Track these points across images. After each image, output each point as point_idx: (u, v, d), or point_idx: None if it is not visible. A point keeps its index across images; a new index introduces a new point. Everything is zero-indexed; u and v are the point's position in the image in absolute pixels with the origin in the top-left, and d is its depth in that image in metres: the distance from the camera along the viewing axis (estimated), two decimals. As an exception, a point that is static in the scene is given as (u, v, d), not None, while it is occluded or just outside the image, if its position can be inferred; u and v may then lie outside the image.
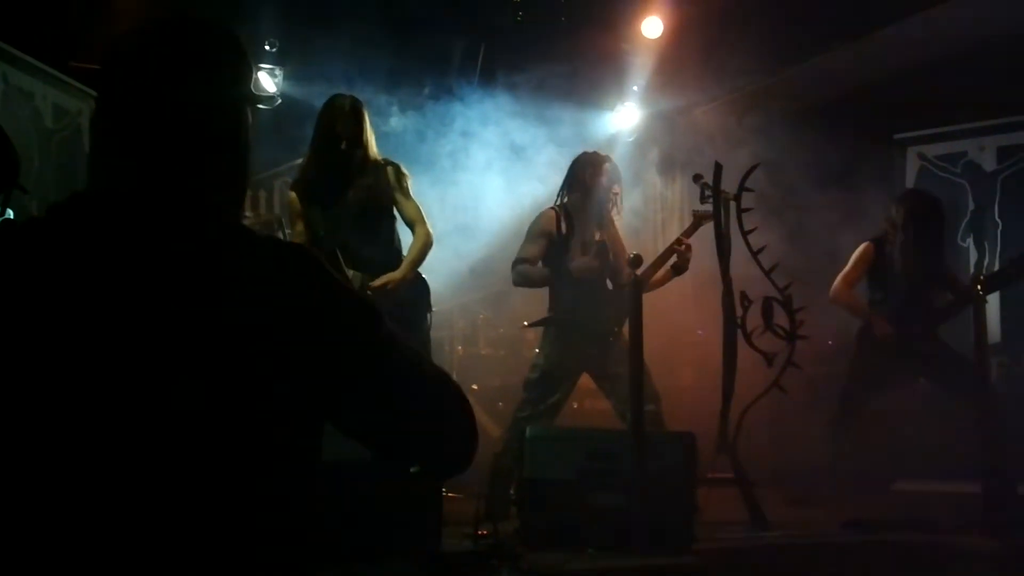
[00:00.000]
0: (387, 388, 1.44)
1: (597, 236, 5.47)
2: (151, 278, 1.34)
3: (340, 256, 4.71)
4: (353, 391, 1.43)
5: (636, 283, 4.58)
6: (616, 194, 5.57)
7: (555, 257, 5.45)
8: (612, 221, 5.60)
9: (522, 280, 5.54)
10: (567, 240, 5.44)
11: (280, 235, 4.89)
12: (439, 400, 1.50)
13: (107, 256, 1.35)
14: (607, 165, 5.57)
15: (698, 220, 5.21)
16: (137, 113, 1.43)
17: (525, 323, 6.34)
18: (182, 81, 1.44)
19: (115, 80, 1.46)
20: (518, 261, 5.47)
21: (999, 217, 7.68)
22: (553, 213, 5.52)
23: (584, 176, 5.54)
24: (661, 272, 5.26)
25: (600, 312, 5.36)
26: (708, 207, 5.08)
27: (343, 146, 5.03)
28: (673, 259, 5.23)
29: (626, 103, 8.56)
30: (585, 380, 7.41)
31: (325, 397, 1.42)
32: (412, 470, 1.60)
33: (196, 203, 1.43)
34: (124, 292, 1.33)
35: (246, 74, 1.54)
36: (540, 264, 5.46)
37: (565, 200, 5.58)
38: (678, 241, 5.22)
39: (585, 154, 5.70)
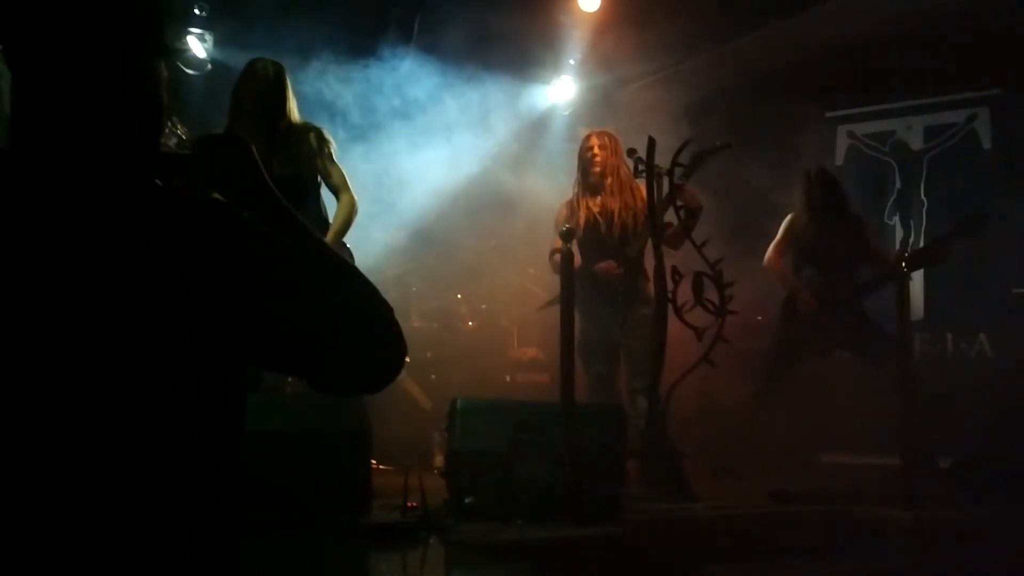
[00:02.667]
0: (306, 304, 1.41)
1: (594, 210, 5.53)
2: (60, 239, 1.31)
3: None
4: (273, 318, 1.39)
5: (564, 257, 4.57)
6: (599, 169, 5.57)
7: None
8: (622, 191, 5.58)
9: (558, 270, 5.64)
10: (574, 219, 5.53)
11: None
12: (365, 310, 1.47)
13: (15, 218, 1.32)
14: (592, 140, 5.65)
15: (697, 159, 5.12)
16: (41, 70, 1.39)
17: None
18: (87, 35, 1.39)
19: (17, 36, 1.41)
20: (551, 252, 5.57)
21: (925, 195, 7.82)
22: (564, 201, 5.70)
23: (578, 157, 5.70)
24: (676, 226, 5.18)
25: (609, 283, 5.44)
26: (710, 145, 5.13)
27: (267, 115, 4.87)
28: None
29: (562, 76, 8.55)
30: (517, 353, 7.42)
31: (248, 337, 1.38)
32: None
33: (104, 161, 1.40)
34: (34, 256, 1.30)
35: (156, 26, 1.49)
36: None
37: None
38: (675, 186, 5.06)
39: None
